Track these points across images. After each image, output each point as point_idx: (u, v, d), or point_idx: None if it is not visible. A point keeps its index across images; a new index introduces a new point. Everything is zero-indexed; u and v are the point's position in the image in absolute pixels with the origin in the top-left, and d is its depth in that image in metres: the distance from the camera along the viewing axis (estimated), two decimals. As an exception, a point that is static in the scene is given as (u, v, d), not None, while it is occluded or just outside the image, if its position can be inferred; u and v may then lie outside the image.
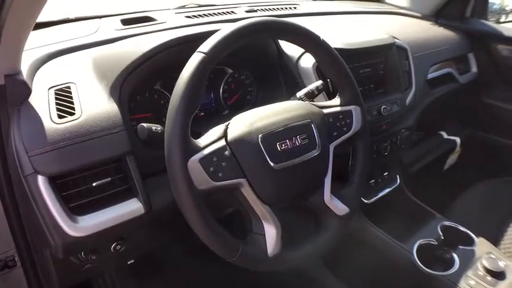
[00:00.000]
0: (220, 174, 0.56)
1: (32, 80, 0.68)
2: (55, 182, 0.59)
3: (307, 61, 0.89)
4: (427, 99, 1.20)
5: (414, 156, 1.29)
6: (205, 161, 0.55)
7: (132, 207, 0.64)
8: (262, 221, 0.61)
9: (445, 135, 1.40)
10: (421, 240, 0.94)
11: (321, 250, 0.67)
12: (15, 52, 0.60)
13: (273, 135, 0.61)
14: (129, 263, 0.86)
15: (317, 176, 0.67)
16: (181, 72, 0.57)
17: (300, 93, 0.79)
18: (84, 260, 0.67)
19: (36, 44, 0.78)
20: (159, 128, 0.62)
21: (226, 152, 0.58)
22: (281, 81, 0.92)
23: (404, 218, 1.04)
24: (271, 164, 0.60)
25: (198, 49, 0.58)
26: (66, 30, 0.89)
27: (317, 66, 0.88)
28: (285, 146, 0.62)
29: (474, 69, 1.42)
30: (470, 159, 1.43)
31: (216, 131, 0.60)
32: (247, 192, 0.59)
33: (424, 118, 1.19)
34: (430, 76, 1.21)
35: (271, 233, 0.61)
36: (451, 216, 1.05)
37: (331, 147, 0.69)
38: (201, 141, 0.58)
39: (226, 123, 0.62)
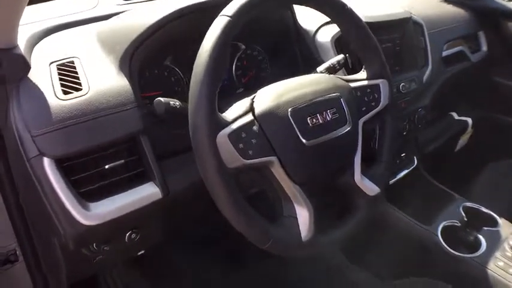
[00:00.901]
0: (250, 152, 0.51)
1: (30, 55, 0.62)
2: (62, 165, 0.53)
3: (325, 35, 0.83)
4: (442, 77, 1.16)
5: (426, 137, 1.25)
6: (234, 136, 0.50)
7: (148, 192, 0.58)
8: (294, 203, 0.56)
9: (456, 116, 1.37)
10: (445, 221, 0.91)
11: (353, 233, 0.63)
12: (11, 24, 0.54)
13: (303, 109, 0.57)
14: (139, 253, 0.80)
15: (347, 154, 0.63)
16: (205, 39, 0.51)
17: (320, 68, 0.74)
18: (96, 251, 0.62)
19: (31, 19, 0.71)
20: (177, 103, 0.57)
21: (255, 127, 0.53)
22: (297, 57, 0.86)
23: (423, 199, 1.01)
24: (303, 140, 0.55)
25: (222, 12, 0.53)
26: (63, 5, 0.82)
27: (336, 40, 0.83)
28: (315, 120, 0.57)
29: (484, 48, 1.38)
30: (482, 140, 1.40)
31: (241, 105, 0.55)
32: (277, 171, 0.54)
33: (437, 98, 1.15)
34: (444, 54, 1.16)
35: (303, 216, 0.56)
36: (468, 197, 1.02)
37: (360, 123, 0.65)
38: (227, 115, 0.52)
39: (252, 97, 0.56)
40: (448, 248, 0.86)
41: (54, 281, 0.75)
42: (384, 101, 0.68)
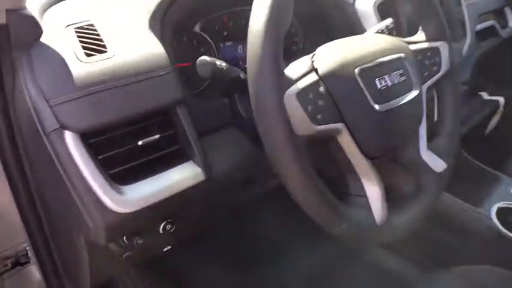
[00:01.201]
0: (319, 116, 0.43)
1: (41, 20, 0.52)
2: (88, 142, 0.44)
3: (366, 1, 0.75)
4: (476, 53, 1.08)
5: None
6: (302, 97, 0.42)
7: (189, 173, 0.49)
8: (362, 180, 0.48)
9: (486, 96, 1.29)
10: (499, 203, 0.83)
11: (426, 214, 0.55)
12: None
13: (370, 70, 0.49)
14: (165, 249, 0.71)
15: (414, 123, 0.55)
16: None
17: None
18: (126, 245, 0.52)
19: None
20: (223, 64, 0.48)
21: (321, 88, 0.44)
22: (334, 27, 0.78)
23: (469, 181, 0.93)
24: (374, 105, 0.47)
25: None
26: None
27: (379, 4, 0.74)
28: (384, 83, 0.49)
29: (511, 23, 1.31)
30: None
31: (301, 64, 0.47)
32: (345, 141, 0.46)
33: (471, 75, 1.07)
34: (476, 28, 1.09)
35: (374, 194, 0.48)
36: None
37: (424, 89, 0.57)
38: (289, 73, 0.44)
39: (311, 55, 0.48)
40: (505, 230, 0.78)
41: (71, 286, 0.65)
42: (445, 65, 0.61)
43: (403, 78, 0.52)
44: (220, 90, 0.60)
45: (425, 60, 0.59)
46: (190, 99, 0.54)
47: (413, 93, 0.53)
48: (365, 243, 0.51)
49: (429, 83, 0.58)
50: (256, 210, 0.95)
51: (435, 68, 0.60)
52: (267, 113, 0.40)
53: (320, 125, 0.43)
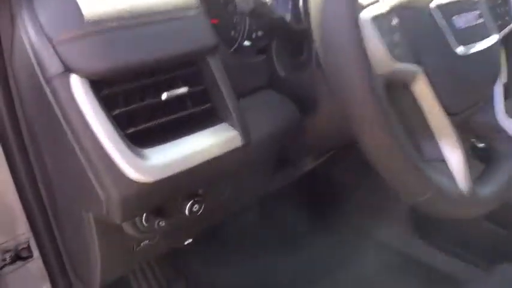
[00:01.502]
0: (397, 51, 0.34)
1: None
2: (100, 93, 0.35)
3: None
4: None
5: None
6: (378, 23, 0.33)
7: (223, 137, 0.40)
8: (440, 141, 0.39)
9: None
10: None
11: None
12: None
13: (446, 5, 0.41)
14: (186, 243, 0.62)
15: (492, 76, 0.47)
16: None
17: None
18: (146, 229, 0.43)
19: None
20: None
21: (394, 22, 0.36)
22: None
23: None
24: (454, 46, 0.39)
25: None
26: None
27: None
28: (462, 22, 0.41)
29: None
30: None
31: None
32: (422, 90, 0.38)
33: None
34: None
35: (456, 160, 0.40)
36: None
37: (499, 37, 0.48)
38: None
39: None
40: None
41: (79, 284, 0.56)
42: None
43: (481, 20, 0.44)
44: (254, 48, 0.52)
45: (496, 8, 0.51)
46: (220, 54, 0.46)
47: (493, 38, 0.44)
48: (449, 217, 0.42)
49: (504, 32, 0.51)
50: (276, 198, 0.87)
51: (507, 18, 0.52)
52: (338, 42, 0.31)
53: (399, 61, 0.34)
